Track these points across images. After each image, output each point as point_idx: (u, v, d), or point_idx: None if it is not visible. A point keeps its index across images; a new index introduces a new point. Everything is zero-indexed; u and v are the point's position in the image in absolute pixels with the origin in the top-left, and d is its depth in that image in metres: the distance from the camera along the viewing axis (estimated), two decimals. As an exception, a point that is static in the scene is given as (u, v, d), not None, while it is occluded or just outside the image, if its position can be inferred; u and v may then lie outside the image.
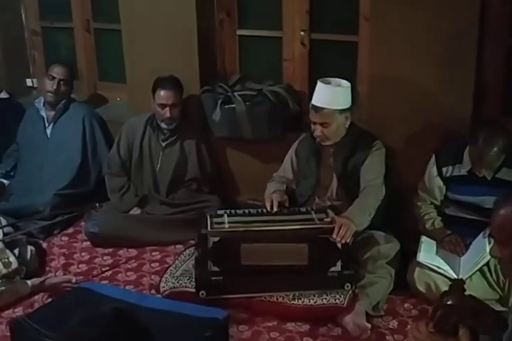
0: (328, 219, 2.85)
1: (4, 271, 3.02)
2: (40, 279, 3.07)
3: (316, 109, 3.01)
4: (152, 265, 3.35)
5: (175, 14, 3.70)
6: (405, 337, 2.69)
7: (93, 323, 1.38)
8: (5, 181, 3.96)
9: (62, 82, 3.88)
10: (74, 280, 3.05)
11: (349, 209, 2.94)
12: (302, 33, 3.66)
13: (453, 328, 1.73)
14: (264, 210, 3.04)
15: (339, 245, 2.78)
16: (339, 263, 2.80)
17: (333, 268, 2.81)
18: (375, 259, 2.94)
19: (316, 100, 3.03)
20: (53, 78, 3.87)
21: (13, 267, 3.07)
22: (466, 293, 1.89)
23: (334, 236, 2.75)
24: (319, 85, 3.05)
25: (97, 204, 3.66)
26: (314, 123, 3.05)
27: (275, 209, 3.01)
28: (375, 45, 3.27)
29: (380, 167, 3.09)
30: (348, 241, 2.77)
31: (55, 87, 3.87)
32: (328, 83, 3.06)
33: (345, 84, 3.08)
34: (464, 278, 2.73)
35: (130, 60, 3.95)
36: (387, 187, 3.11)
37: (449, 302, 1.78)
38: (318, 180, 3.18)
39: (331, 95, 3.01)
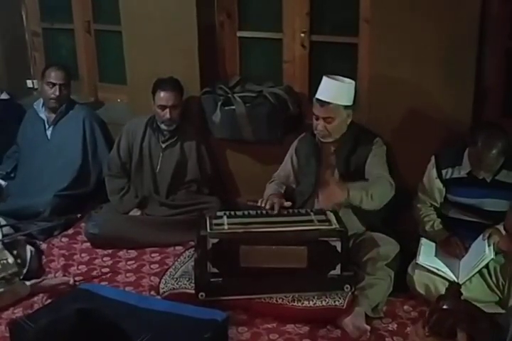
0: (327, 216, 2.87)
1: (3, 273, 3.02)
2: (39, 280, 3.07)
3: (322, 103, 3.01)
4: (152, 266, 3.35)
5: (175, 16, 3.70)
6: (405, 339, 2.69)
7: (57, 328, 1.35)
8: (2, 182, 3.96)
9: (62, 87, 3.88)
10: (71, 282, 3.05)
11: (354, 184, 2.93)
12: (302, 34, 3.66)
13: (448, 332, 1.74)
14: (264, 212, 3.04)
15: (339, 248, 2.76)
16: (339, 267, 2.80)
17: (332, 272, 2.81)
18: (375, 261, 2.94)
19: (322, 94, 3.03)
20: (53, 85, 3.85)
21: (11, 268, 3.07)
22: (463, 297, 1.89)
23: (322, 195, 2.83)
24: (325, 80, 3.05)
25: (93, 212, 3.67)
26: (317, 119, 3.05)
27: (276, 211, 3.00)
28: (375, 46, 3.27)
29: (384, 164, 3.09)
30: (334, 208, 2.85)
31: (57, 94, 3.86)
32: (334, 78, 3.07)
33: (350, 81, 3.09)
34: (464, 281, 2.74)
35: (130, 62, 3.96)
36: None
37: (444, 307, 1.78)
38: (318, 179, 3.18)
39: (337, 90, 3.02)
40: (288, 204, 3.08)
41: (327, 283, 2.82)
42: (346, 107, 3.04)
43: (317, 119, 3.05)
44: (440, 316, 1.74)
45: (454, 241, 2.96)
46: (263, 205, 3.03)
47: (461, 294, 1.87)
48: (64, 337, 1.34)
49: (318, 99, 3.05)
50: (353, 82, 3.10)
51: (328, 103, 3.00)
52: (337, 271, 2.80)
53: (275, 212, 3.00)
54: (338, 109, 3.02)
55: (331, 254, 2.79)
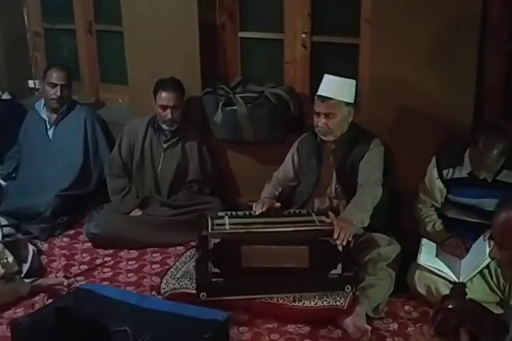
0: (328, 220, 2.85)
1: (3, 272, 3.03)
2: (39, 280, 3.08)
3: (323, 98, 3.02)
4: (153, 266, 3.35)
5: (177, 16, 3.71)
6: (405, 339, 2.69)
7: (38, 327, 1.39)
8: (2, 183, 3.96)
9: (64, 88, 3.88)
10: (66, 283, 3.05)
11: (347, 208, 2.95)
12: (304, 35, 3.67)
13: (453, 332, 1.73)
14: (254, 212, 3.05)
15: (340, 247, 2.78)
16: (340, 266, 2.81)
17: (333, 271, 2.81)
18: (376, 261, 2.94)
19: (323, 91, 3.04)
20: (55, 85, 3.85)
21: (12, 267, 3.08)
22: (467, 296, 1.89)
23: (335, 237, 2.75)
24: (326, 77, 3.06)
25: (95, 212, 3.67)
26: (318, 115, 3.04)
27: (258, 212, 3.00)
28: (376, 47, 3.27)
29: (378, 164, 3.09)
30: (350, 239, 2.78)
31: (58, 94, 3.86)
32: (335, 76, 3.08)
33: (351, 79, 3.10)
34: (465, 281, 2.73)
35: (132, 62, 3.96)
36: (387, 188, 3.11)
37: (449, 306, 1.78)
38: (318, 178, 3.19)
39: (338, 86, 3.03)
40: (277, 205, 3.08)
41: (328, 283, 2.82)
42: (347, 104, 3.04)
43: (318, 116, 3.05)
44: (445, 316, 1.74)
45: (454, 241, 2.96)
46: (255, 210, 3.03)
47: (466, 294, 1.87)
48: (45, 335, 1.37)
49: (319, 96, 3.05)
50: (354, 80, 3.11)
51: (330, 99, 3.01)
52: (338, 270, 2.81)
53: (257, 213, 3.00)
54: (339, 105, 3.02)
55: (332, 254, 2.79)
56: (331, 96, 3.00)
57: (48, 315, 1.42)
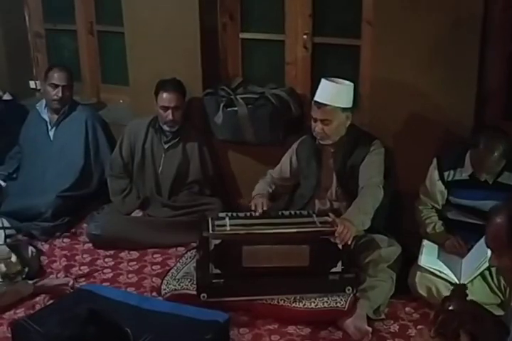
0: (330, 219, 2.85)
1: (6, 271, 3.03)
2: (42, 280, 3.08)
3: (319, 105, 3.01)
4: (153, 267, 3.35)
5: (178, 17, 3.71)
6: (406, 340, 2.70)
7: (68, 324, 1.45)
8: (2, 183, 3.96)
9: (65, 88, 3.87)
10: (71, 283, 3.06)
11: (348, 210, 2.94)
12: (305, 36, 3.67)
13: (454, 333, 1.74)
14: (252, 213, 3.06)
15: (340, 245, 2.78)
16: (340, 264, 2.81)
17: (334, 269, 2.81)
18: (377, 263, 2.94)
19: (319, 97, 3.03)
20: (56, 86, 3.85)
21: (15, 267, 3.09)
22: (468, 298, 1.89)
23: (336, 237, 2.75)
24: (323, 82, 3.05)
25: (95, 213, 3.68)
26: (315, 121, 3.04)
27: (259, 211, 3.02)
28: (378, 48, 3.27)
29: (379, 166, 3.08)
30: (349, 242, 2.78)
31: (60, 95, 3.85)
32: (332, 81, 3.07)
33: (349, 83, 3.09)
34: (465, 283, 2.73)
35: (133, 63, 3.96)
36: (388, 189, 3.11)
37: (450, 308, 1.78)
38: (318, 181, 3.19)
39: (334, 92, 3.02)
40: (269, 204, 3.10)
41: (329, 284, 2.82)
42: (344, 109, 3.03)
43: (315, 121, 3.04)
44: (445, 317, 1.74)
45: (456, 241, 2.96)
46: (255, 209, 3.04)
47: (467, 295, 1.87)
48: (73, 332, 1.42)
49: (315, 101, 3.04)
50: (352, 84, 3.09)
51: (326, 105, 3.00)
52: (338, 268, 2.81)
53: (257, 213, 3.01)
54: (335, 111, 3.01)
55: (333, 251, 2.79)
56: (327, 102, 2.99)
57: (77, 315, 1.49)
